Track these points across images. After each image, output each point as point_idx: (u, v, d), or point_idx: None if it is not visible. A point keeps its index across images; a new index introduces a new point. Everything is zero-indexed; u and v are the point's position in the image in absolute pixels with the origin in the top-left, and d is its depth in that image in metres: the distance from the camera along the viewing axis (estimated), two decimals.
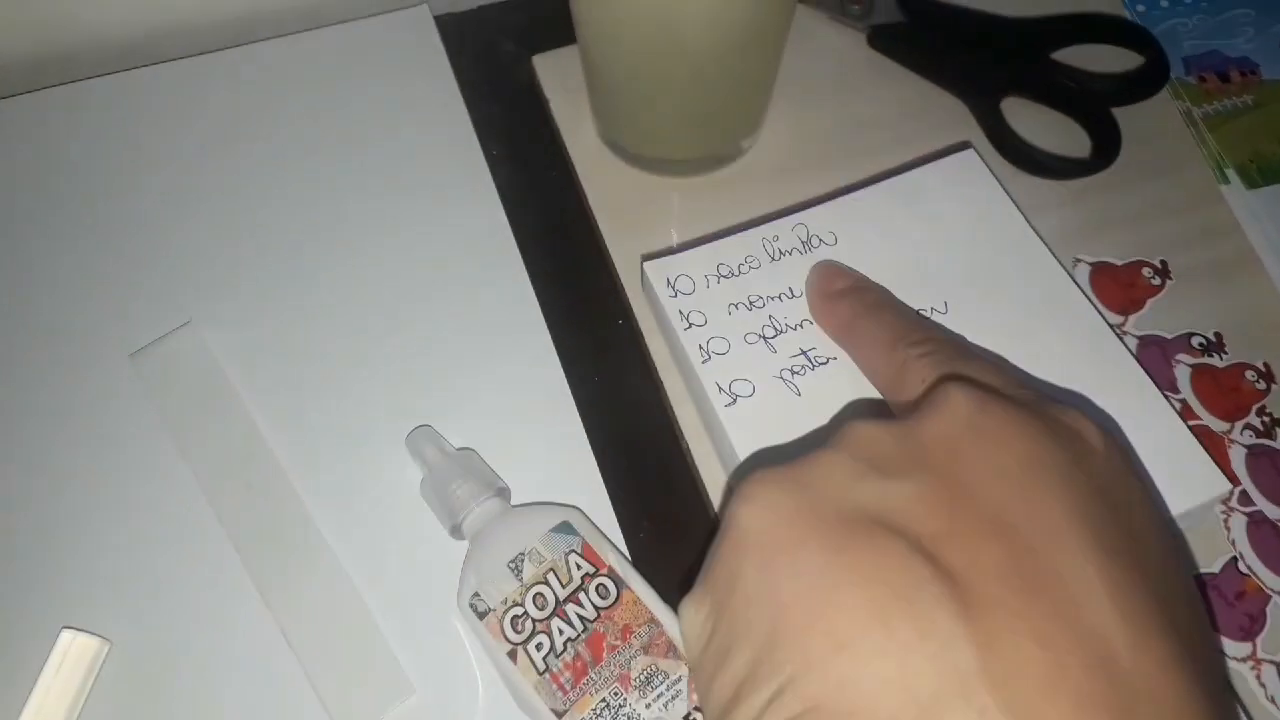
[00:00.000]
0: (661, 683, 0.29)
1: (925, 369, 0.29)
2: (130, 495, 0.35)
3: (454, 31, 0.46)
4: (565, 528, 0.31)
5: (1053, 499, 0.23)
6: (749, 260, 0.37)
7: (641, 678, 0.29)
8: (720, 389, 0.34)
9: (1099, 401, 0.34)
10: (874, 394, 0.34)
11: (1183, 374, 0.38)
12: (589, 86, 0.42)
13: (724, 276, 0.36)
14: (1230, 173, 0.43)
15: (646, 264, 0.37)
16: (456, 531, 0.32)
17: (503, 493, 0.33)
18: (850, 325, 0.34)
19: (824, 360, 0.35)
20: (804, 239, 0.37)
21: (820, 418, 0.34)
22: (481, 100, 0.44)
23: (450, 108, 0.43)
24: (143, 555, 0.34)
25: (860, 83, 0.45)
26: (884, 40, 0.45)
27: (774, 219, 0.38)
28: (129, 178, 0.41)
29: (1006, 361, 0.34)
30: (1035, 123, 0.43)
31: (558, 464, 0.36)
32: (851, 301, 0.34)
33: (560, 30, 0.40)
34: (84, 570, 0.34)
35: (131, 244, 0.40)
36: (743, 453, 0.33)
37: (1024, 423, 0.25)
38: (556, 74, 0.45)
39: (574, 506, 0.32)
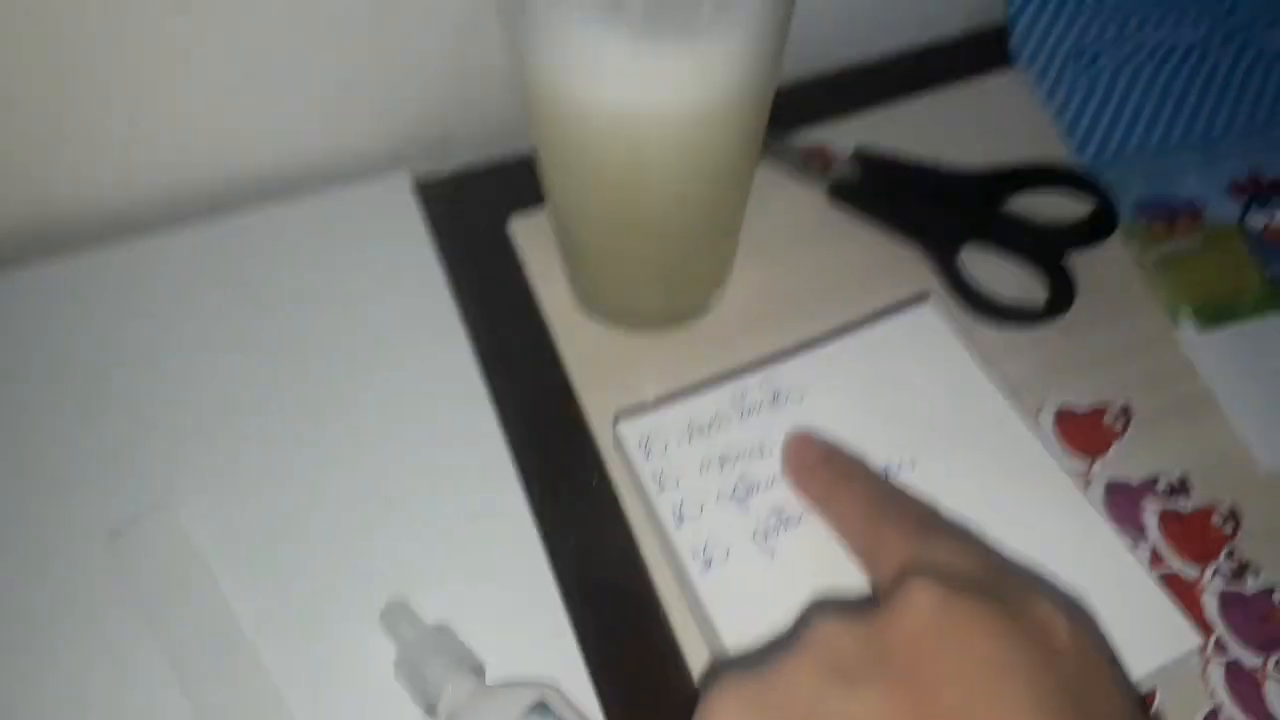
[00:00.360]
0: None
1: (898, 544, 0.29)
2: (103, 676, 0.35)
3: (432, 196, 0.47)
4: (541, 708, 0.31)
5: (1015, 703, 0.23)
6: (719, 418, 0.37)
7: None
8: (695, 554, 0.34)
9: (1066, 558, 0.34)
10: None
11: (1151, 519, 0.39)
12: (561, 248, 0.43)
13: (695, 434, 0.37)
14: (1183, 315, 0.44)
15: (619, 425, 0.37)
16: (431, 711, 0.32)
17: (478, 670, 0.33)
18: (825, 497, 0.34)
19: (796, 519, 0.35)
20: (771, 394, 0.38)
21: (795, 579, 0.34)
22: (459, 261, 0.45)
23: (427, 271, 0.45)
24: None
25: (822, 237, 0.46)
26: (843, 195, 0.47)
27: (742, 374, 0.38)
28: (107, 354, 0.42)
29: (975, 536, 0.33)
30: (993, 271, 0.44)
31: (534, 633, 0.35)
32: (825, 472, 0.35)
33: (535, 194, 0.41)
34: None
35: (107, 422, 0.40)
36: (719, 620, 0.33)
37: (988, 620, 0.25)
38: (532, 236, 0.46)
39: (551, 686, 0.32)
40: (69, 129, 0.44)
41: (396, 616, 0.34)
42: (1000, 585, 0.27)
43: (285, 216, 0.46)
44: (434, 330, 0.43)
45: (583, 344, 0.43)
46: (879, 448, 0.36)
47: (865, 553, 0.31)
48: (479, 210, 0.47)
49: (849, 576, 0.34)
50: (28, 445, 0.40)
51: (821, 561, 0.34)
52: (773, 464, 0.36)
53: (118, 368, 0.42)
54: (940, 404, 0.38)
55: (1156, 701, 0.35)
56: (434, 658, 0.32)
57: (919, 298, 0.41)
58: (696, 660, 0.35)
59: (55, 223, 0.47)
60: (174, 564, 0.36)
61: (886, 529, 0.30)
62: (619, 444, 0.38)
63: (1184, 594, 0.37)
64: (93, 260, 0.45)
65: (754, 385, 0.38)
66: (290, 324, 0.43)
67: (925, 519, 0.31)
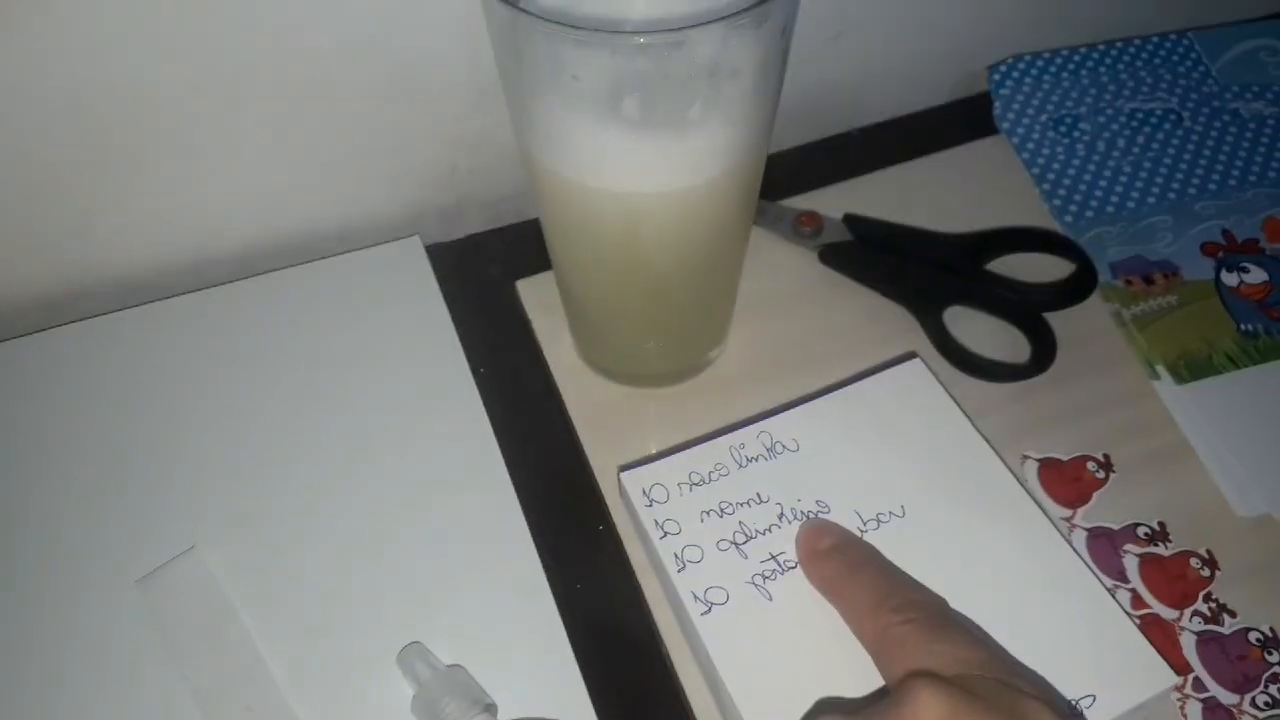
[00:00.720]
0: None
1: (906, 638, 0.31)
2: (133, 718, 0.36)
3: (444, 259, 0.50)
4: None
5: None
6: (718, 468, 0.39)
7: None
8: (696, 598, 0.36)
9: (1049, 601, 0.36)
10: None
11: (1131, 563, 0.41)
12: (566, 309, 0.46)
13: (695, 484, 0.39)
14: (1160, 369, 0.46)
15: (623, 474, 0.39)
16: None
17: (490, 709, 0.34)
18: (835, 584, 0.35)
19: (793, 565, 0.37)
20: (768, 445, 0.40)
21: (792, 622, 0.35)
22: (469, 321, 0.48)
23: (440, 330, 0.47)
24: None
25: (814, 297, 0.49)
26: (834, 258, 0.49)
27: (740, 427, 0.40)
28: (136, 408, 0.44)
29: (981, 635, 0.34)
30: (977, 329, 0.47)
31: (542, 674, 0.37)
32: (836, 560, 0.35)
33: (541, 256, 0.44)
34: None
35: (137, 473, 0.42)
36: (719, 660, 0.34)
37: None
38: (538, 297, 0.48)
39: None
40: (103, 200, 0.47)
41: (413, 657, 0.36)
42: (1002, 694, 0.28)
43: (304, 279, 0.49)
44: (446, 387, 0.45)
45: (588, 398, 0.45)
46: (870, 496, 0.38)
47: (873, 645, 0.32)
48: (488, 272, 0.50)
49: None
50: (60, 494, 0.42)
51: (818, 605, 0.36)
52: (768, 512, 0.38)
53: (145, 422, 0.44)
54: (928, 454, 0.40)
55: None
56: (449, 696, 0.34)
57: (908, 355, 0.43)
58: (696, 697, 0.37)
59: (89, 287, 0.49)
60: (201, 608, 0.38)
61: (895, 623, 0.31)
62: (623, 493, 0.40)
63: (1163, 635, 0.39)
64: (121, 320, 0.47)
65: (751, 437, 0.40)
66: (309, 380, 0.45)
67: (934, 615, 0.32)
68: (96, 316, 0.47)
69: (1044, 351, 0.45)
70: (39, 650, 0.38)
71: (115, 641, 0.38)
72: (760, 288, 0.48)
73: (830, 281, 0.49)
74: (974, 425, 0.41)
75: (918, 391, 0.42)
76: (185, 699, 0.36)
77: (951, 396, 0.41)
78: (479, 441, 0.43)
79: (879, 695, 0.33)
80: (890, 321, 0.48)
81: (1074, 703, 0.34)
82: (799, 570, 0.37)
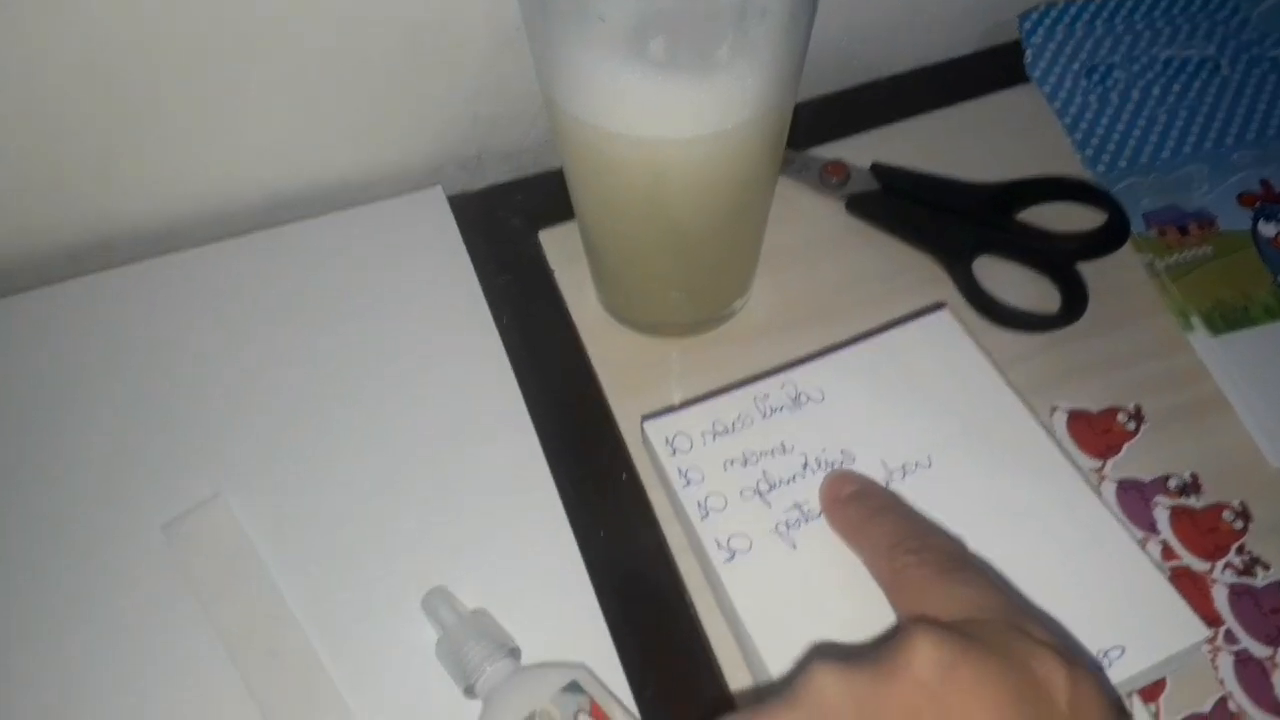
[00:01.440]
0: None
1: (919, 579, 0.30)
2: (160, 662, 0.37)
3: (466, 210, 0.49)
4: (574, 687, 0.32)
5: None
6: (742, 418, 0.39)
7: None
8: (719, 545, 0.36)
9: (1078, 554, 0.35)
10: None
11: (1162, 516, 0.40)
12: (589, 259, 0.45)
13: (719, 434, 0.38)
14: (1194, 320, 0.45)
15: (646, 423, 0.39)
16: (470, 692, 0.33)
17: (514, 653, 0.34)
18: (856, 527, 0.35)
19: (817, 514, 0.36)
20: (793, 396, 0.39)
21: (815, 569, 0.35)
22: (492, 272, 0.47)
23: (463, 281, 0.47)
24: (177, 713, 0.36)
25: (840, 247, 0.48)
26: (861, 207, 0.48)
27: (764, 377, 0.40)
28: (162, 356, 0.44)
29: (997, 579, 0.34)
30: (1006, 280, 0.46)
31: (566, 620, 0.37)
32: (857, 506, 0.35)
33: (563, 206, 0.43)
34: None
35: (164, 421, 0.42)
36: (741, 607, 0.34)
37: (986, 688, 0.25)
38: (561, 247, 0.48)
39: (583, 667, 0.34)
40: (128, 152, 0.46)
41: (437, 602, 0.35)
42: (1009, 640, 0.27)
43: (326, 230, 0.48)
44: (469, 337, 0.45)
45: (611, 349, 0.45)
46: (896, 446, 0.38)
47: (888, 586, 0.32)
48: (511, 223, 0.49)
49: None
50: (85, 443, 0.42)
51: (842, 553, 0.35)
52: (792, 461, 0.37)
53: (169, 371, 0.44)
54: (955, 405, 0.39)
55: (1166, 690, 0.36)
56: (473, 641, 0.34)
57: (936, 305, 0.42)
58: (720, 644, 0.37)
59: (112, 237, 0.49)
60: (226, 553, 0.38)
61: (910, 564, 0.31)
62: (646, 442, 0.39)
63: (1195, 587, 0.38)
64: (147, 270, 0.47)
65: (775, 387, 0.39)
66: (333, 330, 0.45)
67: (949, 558, 0.32)
68: (120, 267, 0.47)
69: (1075, 301, 0.44)
70: (65, 598, 0.38)
71: (140, 587, 0.38)
72: (786, 238, 0.47)
73: (857, 232, 0.48)
74: (1002, 376, 0.40)
75: (945, 342, 0.41)
76: (210, 643, 0.37)
77: (980, 347, 0.40)
78: (502, 391, 0.43)
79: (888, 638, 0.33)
80: (918, 272, 0.47)
81: (1102, 654, 0.33)
82: (823, 519, 0.36)
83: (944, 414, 0.39)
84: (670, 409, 0.39)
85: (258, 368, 0.44)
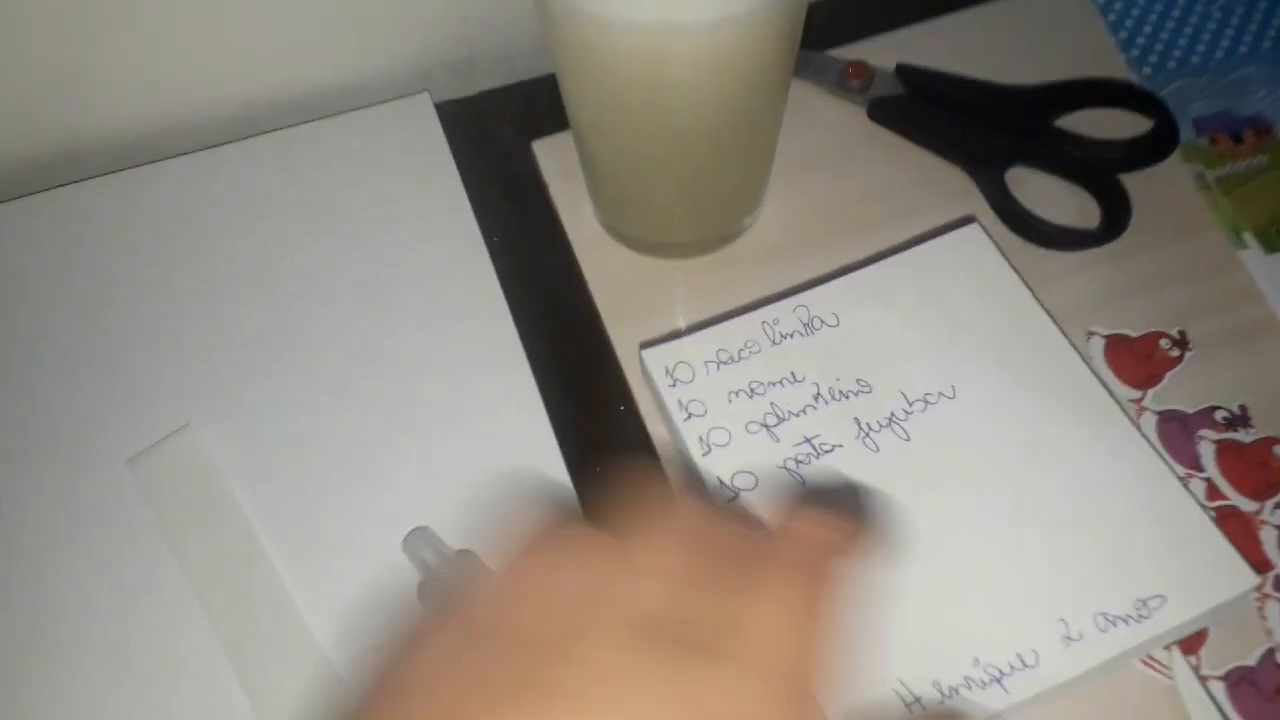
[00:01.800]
0: None
1: None
2: (126, 602, 0.34)
3: (454, 118, 0.45)
4: None
5: None
6: (749, 345, 0.36)
7: None
8: (722, 483, 0.33)
9: (1116, 492, 0.32)
10: (886, 482, 0.32)
11: (1207, 451, 0.37)
12: (585, 171, 0.41)
13: (724, 363, 0.35)
14: (1247, 237, 0.41)
15: (645, 352, 0.36)
16: None
17: None
18: None
19: (829, 448, 0.33)
20: (805, 321, 0.36)
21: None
22: (482, 186, 0.44)
23: (451, 195, 0.43)
24: (137, 664, 0.33)
25: (861, 157, 0.44)
26: (884, 113, 0.44)
27: (774, 301, 0.37)
28: (128, 277, 0.41)
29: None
30: (1042, 192, 0.42)
31: None
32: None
33: (560, 115, 0.39)
34: (77, 680, 0.33)
35: (129, 345, 0.40)
36: None
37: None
38: (556, 159, 0.44)
39: None
40: (94, 55, 0.43)
41: (420, 543, 0.33)
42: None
43: (305, 140, 0.45)
44: (457, 255, 0.41)
45: (609, 269, 0.41)
46: (917, 375, 0.35)
47: None
48: (502, 132, 0.46)
49: (886, 505, 0.32)
50: (47, 366, 0.39)
51: (854, 490, 0.32)
52: (804, 392, 0.34)
53: (138, 291, 0.41)
54: (984, 330, 0.36)
55: (1208, 641, 0.33)
56: (457, 585, 0.31)
57: (965, 219, 0.39)
58: None
59: (79, 149, 0.46)
60: (195, 486, 0.36)
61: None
62: (645, 371, 0.36)
63: (1242, 529, 0.35)
64: (114, 183, 0.44)
65: (786, 312, 0.36)
66: (310, 247, 0.42)
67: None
68: (89, 180, 0.44)
69: (1116, 216, 0.41)
70: (22, 539, 0.36)
71: (104, 526, 0.36)
72: (801, 147, 0.43)
73: (879, 140, 0.44)
74: (1035, 297, 0.36)
75: (974, 259, 0.37)
76: (179, 585, 0.34)
77: (1011, 265, 0.37)
78: (492, 315, 0.40)
79: None
80: (945, 184, 0.43)
81: (1142, 603, 0.31)
82: (836, 454, 0.33)
83: (970, 339, 0.35)
84: (671, 336, 0.36)
85: (231, 288, 0.41)
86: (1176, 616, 0.31)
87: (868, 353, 0.35)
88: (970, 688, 0.30)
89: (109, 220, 0.43)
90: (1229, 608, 0.31)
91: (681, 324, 0.39)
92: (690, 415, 0.34)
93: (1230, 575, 0.31)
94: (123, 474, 0.36)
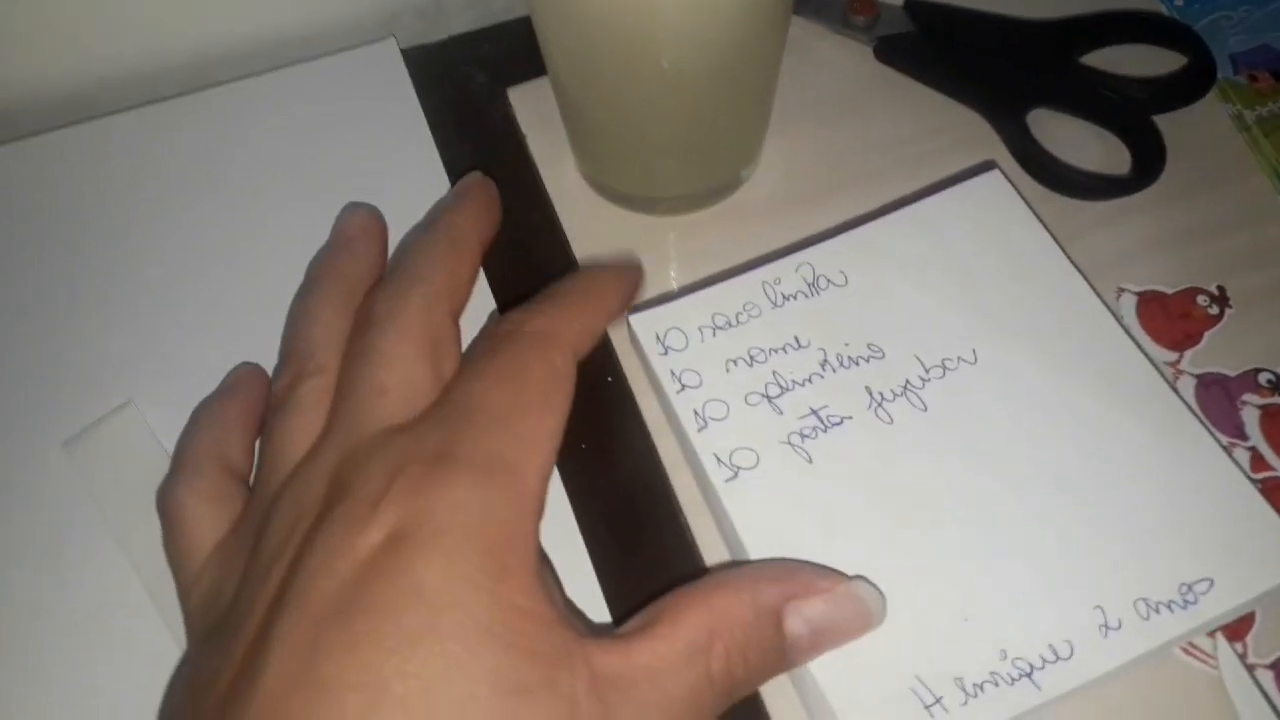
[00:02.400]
0: None
1: None
2: (65, 594, 0.31)
3: (423, 65, 0.42)
4: None
5: None
6: (748, 308, 0.32)
7: None
8: (719, 461, 0.29)
9: (1152, 464, 0.29)
10: (900, 457, 0.29)
11: (1250, 417, 0.33)
12: (565, 119, 0.37)
13: (720, 328, 0.32)
14: None
15: (632, 317, 0.32)
16: None
17: None
18: None
19: (838, 420, 0.30)
20: (810, 280, 0.32)
21: (835, 488, 0.29)
22: (453, 138, 0.40)
23: (420, 149, 0.39)
24: (78, 656, 0.30)
25: (869, 101, 0.40)
26: (893, 53, 0.40)
27: (775, 259, 0.33)
28: (65, 243, 0.37)
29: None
30: (1066, 137, 0.38)
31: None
32: None
33: (537, 59, 0.35)
34: (9, 673, 0.30)
35: (67, 317, 0.36)
36: (745, 535, 0.28)
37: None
38: (534, 107, 0.40)
39: None
40: (27, 4, 0.39)
41: None
42: None
43: (262, 91, 0.41)
44: (425, 214, 0.38)
45: (593, 228, 0.38)
46: (934, 338, 0.31)
47: None
48: (475, 79, 0.42)
49: (900, 482, 0.29)
50: None
51: (869, 469, 0.29)
52: (810, 359, 0.31)
53: (76, 256, 0.37)
54: (1007, 287, 0.32)
55: (1255, 626, 0.30)
56: None
57: (984, 166, 0.35)
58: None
59: (13, 104, 0.42)
60: (138, 471, 0.32)
61: None
62: (633, 339, 0.33)
63: None
64: (54, 142, 0.40)
65: (789, 271, 0.32)
66: (266, 209, 0.38)
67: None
68: (21, 139, 0.40)
69: (1149, 161, 0.37)
70: None
71: (39, 512, 0.32)
72: (802, 91, 0.40)
73: (888, 82, 0.41)
74: (1064, 251, 0.33)
75: (996, 210, 0.34)
76: (124, 573, 0.31)
77: (1037, 216, 0.33)
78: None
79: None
80: (961, 128, 0.39)
81: (1187, 588, 0.27)
82: (845, 426, 0.30)
83: (992, 299, 0.32)
84: (661, 299, 0.32)
85: (180, 255, 0.37)
86: (1225, 602, 0.27)
87: (879, 315, 0.31)
88: (998, 684, 0.26)
89: (44, 183, 0.39)
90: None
91: (673, 286, 0.36)
92: (684, 386, 0.30)
93: None
94: (58, 456, 0.33)
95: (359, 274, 0.32)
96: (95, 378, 0.35)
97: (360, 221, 0.35)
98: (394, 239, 0.37)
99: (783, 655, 0.25)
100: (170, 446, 0.33)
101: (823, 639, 0.25)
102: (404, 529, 0.22)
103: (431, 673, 0.20)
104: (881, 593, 0.27)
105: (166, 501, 0.29)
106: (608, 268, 0.31)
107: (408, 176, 0.39)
